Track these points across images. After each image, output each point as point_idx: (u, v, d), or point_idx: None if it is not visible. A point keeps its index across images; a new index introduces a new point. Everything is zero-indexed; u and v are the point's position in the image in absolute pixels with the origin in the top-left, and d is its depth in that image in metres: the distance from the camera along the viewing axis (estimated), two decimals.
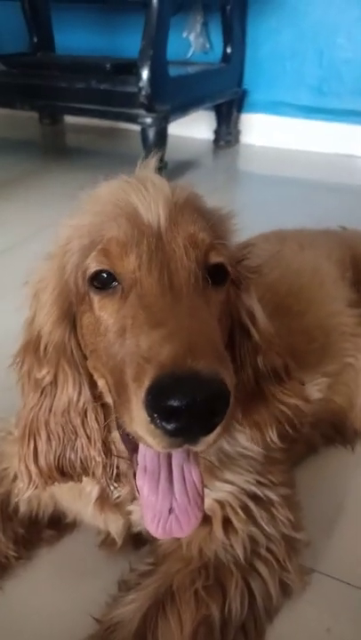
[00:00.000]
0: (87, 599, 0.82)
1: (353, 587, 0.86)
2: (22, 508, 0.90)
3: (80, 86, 2.71)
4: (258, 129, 3.57)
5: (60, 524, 0.93)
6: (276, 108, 3.48)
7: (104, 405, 0.72)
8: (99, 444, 0.71)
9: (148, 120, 2.58)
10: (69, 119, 4.04)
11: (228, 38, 3.27)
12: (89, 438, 0.71)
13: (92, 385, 0.71)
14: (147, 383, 0.52)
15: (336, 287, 1.13)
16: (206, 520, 0.80)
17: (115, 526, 0.85)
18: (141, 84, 2.49)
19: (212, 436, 0.53)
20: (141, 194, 0.68)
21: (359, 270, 1.16)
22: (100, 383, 0.71)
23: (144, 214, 0.66)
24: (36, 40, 3.71)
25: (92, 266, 0.65)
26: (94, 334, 0.67)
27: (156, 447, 0.54)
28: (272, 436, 0.77)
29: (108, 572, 0.86)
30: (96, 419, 0.71)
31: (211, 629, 0.73)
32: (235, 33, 3.26)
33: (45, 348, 0.71)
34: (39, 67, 2.94)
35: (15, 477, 0.89)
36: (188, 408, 0.49)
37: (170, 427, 0.51)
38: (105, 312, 0.65)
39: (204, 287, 0.65)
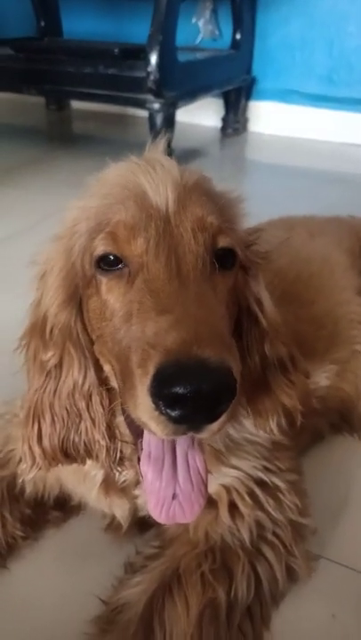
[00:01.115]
0: (93, 581, 0.83)
1: (359, 573, 0.86)
2: (28, 490, 0.90)
3: (88, 71, 2.69)
4: (266, 117, 3.53)
5: (65, 506, 0.93)
6: (284, 96, 3.45)
7: (109, 390, 0.71)
8: (103, 428, 0.71)
9: (156, 105, 2.56)
10: (76, 105, 4.01)
11: (237, 25, 3.23)
12: (93, 421, 0.70)
13: (98, 369, 0.70)
14: (152, 370, 0.51)
15: (346, 275, 1.12)
16: (212, 504, 0.80)
17: (120, 510, 0.85)
18: (150, 69, 2.46)
19: (216, 424, 0.53)
20: (150, 176, 0.67)
21: None
22: (106, 368, 0.70)
23: (152, 197, 0.65)
24: (43, 25, 3.69)
25: (100, 248, 0.65)
26: (100, 319, 0.66)
27: (160, 434, 0.53)
28: (272, 425, 0.77)
29: (114, 555, 0.87)
30: (101, 402, 0.70)
31: (217, 612, 0.73)
32: (244, 20, 3.22)
33: (51, 331, 0.70)
34: (47, 51, 2.92)
35: (21, 459, 0.89)
36: (193, 396, 0.49)
37: (174, 414, 0.50)
38: (111, 295, 0.64)
39: (212, 272, 0.64)
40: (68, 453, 0.72)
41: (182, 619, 0.71)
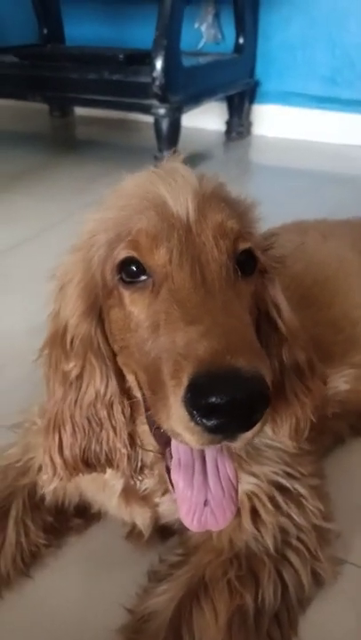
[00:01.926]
0: (117, 589, 0.82)
1: None
2: (48, 498, 0.90)
3: (92, 77, 2.70)
4: (270, 120, 3.54)
5: (86, 514, 0.93)
6: (288, 98, 3.45)
7: (131, 399, 0.71)
8: (124, 436, 0.71)
9: (162, 111, 2.56)
10: (79, 111, 4.03)
11: (240, 29, 3.24)
12: (115, 430, 0.70)
13: (120, 379, 0.71)
14: (185, 381, 0.51)
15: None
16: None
17: (141, 519, 0.84)
18: (155, 75, 2.47)
19: (250, 433, 0.52)
20: (169, 185, 0.68)
21: None
22: (130, 378, 0.70)
23: (173, 206, 0.65)
24: (45, 32, 3.71)
25: (122, 252, 0.64)
26: (124, 330, 0.66)
27: (195, 444, 0.53)
28: (285, 432, 0.76)
29: (137, 563, 0.86)
30: (122, 411, 0.70)
31: (245, 619, 0.72)
32: (247, 23, 3.22)
33: (72, 342, 0.70)
34: (50, 58, 2.93)
35: (41, 468, 0.89)
36: (228, 405, 0.49)
37: (210, 424, 0.50)
38: (136, 307, 0.64)
39: (235, 279, 0.64)
40: (89, 463, 0.72)
41: (211, 626, 0.71)
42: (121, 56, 2.62)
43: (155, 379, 0.58)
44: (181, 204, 0.65)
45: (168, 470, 0.66)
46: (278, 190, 2.59)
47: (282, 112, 3.50)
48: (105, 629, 0.77)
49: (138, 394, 0.70)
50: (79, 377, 0.70)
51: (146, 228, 0.63)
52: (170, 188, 0.67)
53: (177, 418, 0.52)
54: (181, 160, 0.75)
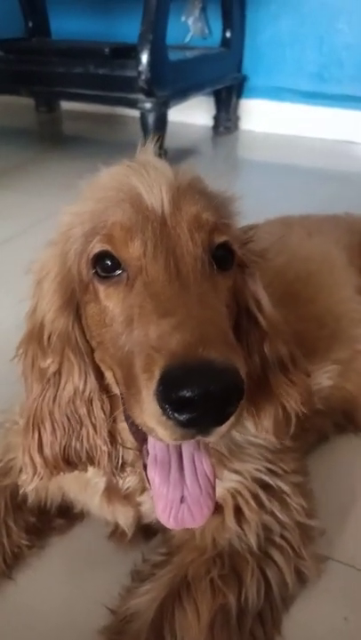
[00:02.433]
0: (100, 589, 0.81)
1: None
2: (30, 498, 0.89)
3: (78, 71, 2.67)
4: (258, 115, 3.53)
5: (69, 513, 0.92)
6: (276, 93, 3.44)
7: (110, 396, 0.70)
8: (104, 434, 0.70)
9: (148, 105, 2.54)
10: (66, 106, 3.99)
11: (227, 23, 3.22)
12: (95, 427, 0.69)
13: (99, 375, 0.70)
14: (157, 374, 0.50)
15: (345, 273, 1.11)
16: (218, 510, 0.79)
17: (124, 518, 0.84)
18: (141, 68, 2.45)
19: (224, 427, 0.52)
20: (144, 178, 0.67)
21: None
22: (108, 375, 0.69)
23: (147, 199, 0.64)
24: (31, 25, 3.66)
25: (97, 246, 0.63)
26: (100, 325, 0.65)
27: (168, 439, 0.52)
28: (268, 426, 0.75)
29: (120, 562, 0.85)
30: (102, 408, 0.69)
31: (228, 618, 0.72)
32: (234, 17, 3.21)
33: (49, 337, 0.69)
34: (36, 52, 2.89)
35: (22, 469, 0.88)
36: (201, 398, 0.48)
37: (182, 418, 0.49)
38: (110, 301, 0.63)
39: (211, 273, 0.63)
40: (69, 461, 0.71)
41: (193, 626, 0.70)
42: (107, 50, 2.59)
43: (128, 373, 0.57)
44: (156, 196, 0.64)
45: (145, 467, 0.65)
46: (266, 186, 2.59)
47: (270, 107, 3.49)
48: (88, 630, 0.76)
49: (116, 390, 0.69)
50: (57, 373, 0.69)
51: (120, 220, 0.63)
52: (144, 180, 0.66)
53: (150, 412, 0.52)
54: (153, 151, 0.74)
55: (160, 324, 0.54)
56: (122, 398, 0.67)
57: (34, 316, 0.71)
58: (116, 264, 0.63)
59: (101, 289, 0.64)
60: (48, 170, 2.78)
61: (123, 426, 0.72)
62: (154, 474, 0.64)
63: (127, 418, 0.67)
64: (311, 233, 1.11)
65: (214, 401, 0.48)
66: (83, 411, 0.69)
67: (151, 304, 0.57)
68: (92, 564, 0.87)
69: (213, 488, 0.65)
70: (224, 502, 0.79)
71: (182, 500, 0.63)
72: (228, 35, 3.23)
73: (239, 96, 3.50)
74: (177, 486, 0.63)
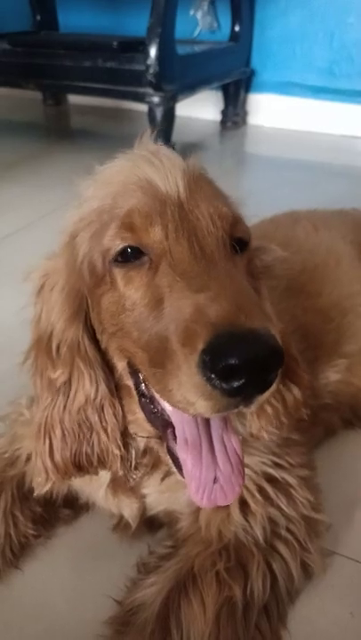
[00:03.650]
0: (106, 581, 0.82)
1: None
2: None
3: (86, 65, 2.66)
4: (266, 110, 3.50)
5: (75, 504, 0.93)
6: (284, 88, 3.41)
7: (120, 395, 0.72)
8: (117, 437, 0.71)
9: (156, 99, 2.53)
10: (73, 100, 3.98)
11: (236, 17, 3.19)
12: (107, 433, 0.71)
13: (109, 380, 0.70)
14: (201, 345, 0.50)
15: (353, 268, 1.10)
16: None
17: (129, 510, 0.84)
18: (149, 62, 2.44)
19: (266, 394, 0.52)
20: (155, 166, 0.67)
21: None
22: (121, 365, 0.69)
23: (161, 185, 0.65)
24: (39, 18, 3.65)
25: (117, 243, 0.63)
26: (118, 313, 0.65)
27: (210, 411, 0.52)
28: (265, 420, 0.75)
29: (126, 554, 0.86)
30: (114, 414, 0.71)
31: (233, 611, 0.72)
32: (243, 11, 3.18)
33: (58, 348, 0.69)
34: (44, 45, 2.88)
35: (28, 458, 0.89)
36: (248, 366, 0.48)
37: (230, 386, 0.50)
38: (132, 285, 0.63)
39: (233, 254, 0.65)
40: (80, 466, 0.72)
41: (199, 618, 0.71)
42: (115, 43, 2.57)
43: (159, 353, 0.57)
44: (170, 181, 0.65)
45: (170, 452, 0.67)
46: (274, 181, 2.57)
47: (278, 102, 3.46)
48: (94, 621, 0.77)
49: (129, 382, 0.70)
50: (66, 383, 0.70)
51: (138, 207, 0.63)
52: (155, 168, 0.66)
53: (192, 385, 0.51)
54: (150, 142, 0.74)
55: (196, 298, 0.54)
56: (136, 389, 0.69)
57: (39, 325, 0.72)
58: (137, 250, 0.63)
59: (121, 273, 0.64)
60: (55, 163, 2.78)
61: (134, 418, 0.73)
62: (186, 456, 0.65)
63: (143, 407, 0.69)
64: (318, 227, 1.10)
65: (259, 367, 0.49)
66: (94, 418, 0.70)
67: (182, 282, 0.57)
68: (98, 555, 0.88)
69: (243, 465, 0.66)
70: None
71: (215, 480, 0.64)
72: (236, 29, 3.21)
73: (247, 91, 3.48)
74: (210, 467, 0.64)
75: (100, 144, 3.06)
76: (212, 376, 0.50)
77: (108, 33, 3.25)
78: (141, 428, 0.73)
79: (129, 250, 0.63)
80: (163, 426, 0.68)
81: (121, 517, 0.86)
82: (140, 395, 0.70)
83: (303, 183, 2.57)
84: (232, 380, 0.49)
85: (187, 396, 0.53)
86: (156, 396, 0.65)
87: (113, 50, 2.59)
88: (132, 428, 0.74)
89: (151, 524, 0.88)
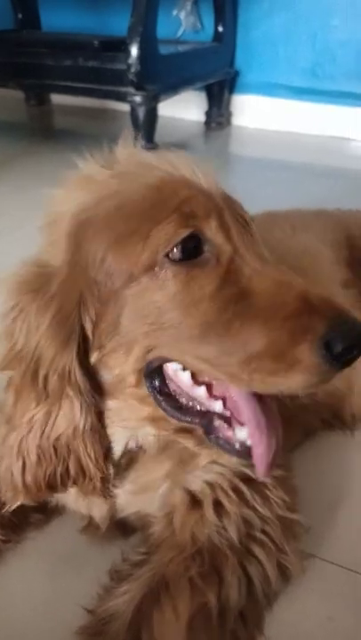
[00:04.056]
0: (78, 588, 0.79)
1: (356, 573, 0.83)
2: None
3: (67, 64, 2.64)
4: (250, 111, 3.50)
5: (46, 508, 0.89)
6: (268, 89, 3.42)
7: (100, 412, 0.69)
8: (101, 461, 0.69)
9: (138, 99, 2.51)
10: (56, 100, 3.95)
11: (219, 17, 3.19)
12: (92, 460, 0.69)
13: (96, 398, 0.67)
14: (323, 329, 0.56)
15: (331, 268, 1.08)
16: (197, 503, 0.77)
17: (98, 511, 0.81)
18: (131, 61, 2.42)
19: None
20: (183, 164, 0.65)
21: (354, 251, 1.12)
22: (117, 371, 0.66)
23: (204, 183, 0.64)
24: (21, 17, 3.62)
25: (180, 231, 0.59)
26: (165, 311, 0.60)
27: (313, 387, 0.58)
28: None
29: (99, 560, 0.83)
30: (100, 440, 0.69)
31: (208, 617, 0.69)
32: (226, 12, 3.18)
33: (46, 378, 0.64)
34: (26, 44, 2.86)
35: None
36: (357, 342, 0.56)
37: (342, 361, 0.57)
38: (199, 283, 0.60)
39: None
40: (53, 486, 0.70)
41: (172, 626, 0.68)
42: (96, 42, 2.56)
43: (234, 344, 0.59)
44: (208, 180, 0.64)
45: (209, 433, 0.66)
46: (258, 182, 2.56)
47: (263, 103, 3.46)
48: (65, 630, 0.74)
49: (135, 388, 0.67)
50: (49, 412, 0.66)
51: (194, 197, 0.61)
52: (186, 166, 0.65)
53: (305, 366, 0.56)
54: (132, 145, 0.72)
55: (293, 292, 0.59)
56: (155, 390, 0.66)
57: (15, 347, 0.65)
58: (198, 244, 0.61)
59: (182, 272, 0.60)
60: (38, 164, 2.74)
61: (113, 431, 0.72)
62: (260, 439, 0.64)
63: (166, 405, 0.67)
64: (295, 227, 1.09)
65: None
66: (79, 446, 0.67)
67: (267, 279, 0.61)
68: (71, 561, 0.85)
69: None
70: (203, 495, 0.77)
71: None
72: (220, 29, 3.21)
73: (231, 91, 3.47)
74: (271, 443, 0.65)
75: (85, 144, 3.01)
76: (333, 356, 0.56)
77: (90, 32, 3.23)
78: (159, 425, 0.71)
79: (192, 245, 0.60)
80: (200, 416, 0.66)
81: (91, 519, 0.84)
82: (161, 393, 0.67)
83: (287, 184, 2.56)
84: (346, 355, 0.56)
85: (294, 380, 0.57)
86: (188, 388, 0.66)
87: (94, 49, 2.58)
88: (113, 441, 0.72)
89: (124, 528, 0.85)
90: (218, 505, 0.77)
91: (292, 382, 0.57)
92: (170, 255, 0.60)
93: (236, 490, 0.78)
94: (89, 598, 0.77)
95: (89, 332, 0.64)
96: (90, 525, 0.85)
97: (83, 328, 0.64)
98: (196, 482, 0.78)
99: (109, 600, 0.74)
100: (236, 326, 0.59)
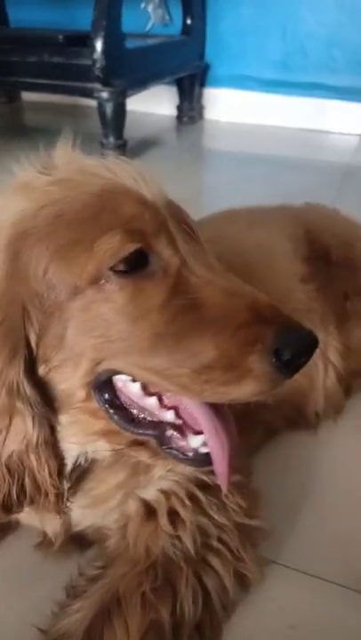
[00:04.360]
0: (33, 607, 0.76)
1: (317, 579, 0.81)
2: None
3: (32, 60, 2.59)
4: (222, 104, 3.47)
5: (0, 523, 0.86)
6: (240, 82, 3.39)
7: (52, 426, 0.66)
8: (55, 477, 0.66)
9: (105, 94, 2.47)
10: (27, 97, 3.88)
11: (187, 10, 3.16)
12: (45, 474, 0.66)
13: (48, 410, 0.64)
14: (271, 340, 0.57)
15: (288, 263, 1.06)
16: (151, 514, 0.75)
17: (51, 526, 0.79)
18: (95, 56, 2.37)
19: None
20: (126, 172, 0.64)
21: (314, 245, 1.10)
22: (64, 385, 0.63)
23: (147, 193, 0.62)
24: None
25: (128, 246, 0.57)
26: (114, 323, 0.59)
27: (263, 394, 0.58)
28: None
29: (56, 576, 0.80)
30: (55, 453, 0.66)
31: (161, 634, 0.67)
32: (194, 4, 3.14)
33: None
34: None
35: None
36: (307, 349, 0.59)
37: (291, 368, 0.58)
38: (146, 294, 0.59)
39: None
40: (8, 508, 0.67)
41: None
42: (60, 37, 2.50)
43: (198, 355, 0.58)
44: (151, 189, 0.63)
45: (163, 446, 0.65)
46: (232, 175, 2.54)
47: (234, 96, 3.43)
48: None
49: (86, 403, 0.64)
50: (0, 431, 0.63)
51: (140, 214, 0.60)
52: (128, 174, 0.63)
53: (256, 375, 0.57)
54: (69, 145, 0.69)
55: (241, 302, 0.59)
56: (106, 403, 0.64)
57: None
58: (144, 258, 0.59)
59: (130, 284, 0.58)
60: (9, 162, 2.68)
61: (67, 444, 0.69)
62: (218, 445, 0.64)
63: (118, 418, 0.65)
64: (252, 223, 1.06)
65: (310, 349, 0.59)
66: (32, 462, 0.65)
67: (216, 289, 0.60)
68: (26, 577, 0.82)
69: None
70: (158, 505, 0.75)
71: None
72: (188, 22, 3.17)
73: (202, 85, 3.44)
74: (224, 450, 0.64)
75: (56, 140, 2.97)
76: (283, 364, 0.56)
77: (58, 27, 3.16)
78: (112, 439, 0.68)
79: (135, 256, 0.59)
80: (153, 428, 0.65)
81: (45, 534, 0.81)
82: (112, 406, 0.64)
83: (260, 177, 2.54)
84: (295, 362, 0.57)
85: (245, 390, 0.57)
86: (138, 399, 0.64)
87: (59, 44, 2.52)
88: (90, 447, 0.70)
89: (81, 541, 0.83)
90: (173, 514, 0.75)
91: (244, 391, 0.58)
92: (115, 267, 0.58)
93: (191, 497, 0.76)
94: (45, 617, 0.74)
95: (34, 345, 0.61)
96: (44, 541, 0.82)
97: (28, 340, 0.61)
98: (151, 490, 0.76)
99: (62, 619, 0.71)
100: (186, 338, 0.58)
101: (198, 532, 0.74)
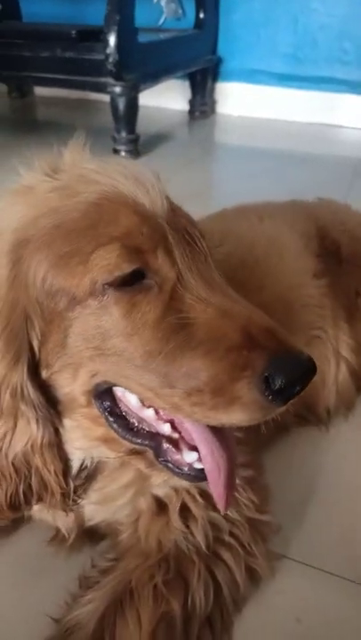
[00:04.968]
0: (46, 597, 0.78)
1: (325, 573, 0.82)
2: None
3: (45, 55, 2.59)
4: (234, 98, 3.46)
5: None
6: (252, 76, 3.37)
7: (57, 430, 0.67)
8: (60, 476, 0.67)
9: (117, 89, 2.47)
10: (39, 92, 3.89)
11: (200, 3, 3.13)
12: (51, 475, 0.67)
13: (52, 413, 0.65)
14: (262, 367, 0.54)
15: (299, 258, 1.06)
16: (163, 509, 0.76)
17: (64, 521, 0.80)
18: (108, 51, 2.37)
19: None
20: (128, 179, 0.62)
21: (325, 241, 1.10)
22: (67, 389, 0.64)
23: (147, 203, 0.60)
24: (0, 8, 3.54)
25: (124, 266, 0.57)
26: (109, 337, 0.59)
27: (255, 421, 0.56)
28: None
29: (68, 568, 0.82)
30: (59, 454, 0.67)
31: (172, 626, 0.69)
32: None
33: None
34: (4, 35, 2.79)
35: None
36: (301, 378, 0.55)
37: (285, 397, 0.55)
38: (139, 309, 0.58)
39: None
40: (17, 506, 0.68)
41: (134, 636, 0.67)
42: (73, 32, 2.50)
43: (176, 375, 0.57)
44: (154, 199, 0.61)
45: (159, 458, 0.64)
46: (243, 170, 2.53)
47: (246, 90, 3.42)
48: None
49: (87, 408, 0.65)
50: (4, 432, 0.64)
51: (137, 228, 0.58)
52: (131, 181, 0.61)
53: (242, 403, 0.54)
54: (81, 149, 0.69)
55: (235, 324, 0.56)
56: (106, 411, 0.65)
57: None
58: (140, 274, 0.58)
59: (124, 299, 0.58)
60: (21, 156, 2.70)
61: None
62: (214, 465, 0.63)
63: (117, 427, 0.65)
64: (263, 219, 1.06)
65: (307, 377, 0.56)
66: (38, 462, 0.65)
67: (211, 308, 0.58)
68: (39, 569, 0.83)
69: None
70: (169, 500, 0.76)
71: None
72: (201, 16, 3.15)
73: (215, 79, 3.42)
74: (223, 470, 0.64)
75: (69, 136, 2.98)
76: (273, 393, 0.53)
77: (71, 21, 3.16)
78: (112, 447, 0.68)
79: (131, 274, 0.58)
80: (150, 438, 0.64)
81: (58, 529, 0.82)
82: (112, 414, 0.65)
83: (271, 171, 2.53)
84: (289, 391, 0.54)
85: (236, 416, 0.55)
86: (137, 410, 0.64)
87: (72, 39, 2.52)
88: (95, 452, 0.71)
89: (93, 534, 0.84)
90: (184, 509, 0.76)
91: (232, 418, 0.56)
92: (111, 283, 0.58)
93: (202, 493, 0.76)
94: (57, 607, 0.76)
95: (36, 350, 0.62)
96: (57, 536, 0.83)
97: (31, 345, 0.62)
98: (162, 487, 0.77)
99: (75, 609, 0.73)
100: (179, 358, 0.56)
101: (210, 527, 0.75)
